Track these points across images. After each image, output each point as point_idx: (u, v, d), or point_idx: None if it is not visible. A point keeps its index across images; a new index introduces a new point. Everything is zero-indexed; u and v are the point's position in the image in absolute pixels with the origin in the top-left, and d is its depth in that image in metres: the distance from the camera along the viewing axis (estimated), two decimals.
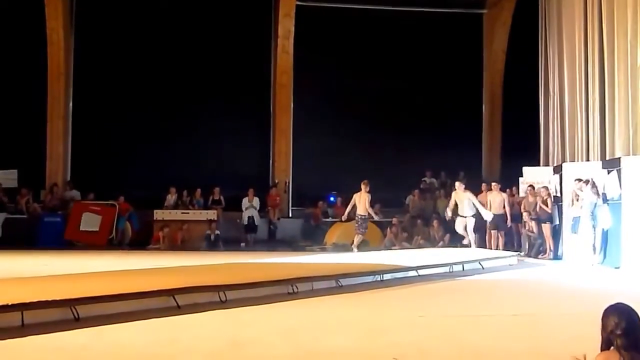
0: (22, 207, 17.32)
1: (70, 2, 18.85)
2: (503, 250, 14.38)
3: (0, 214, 16.60)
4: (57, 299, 6.29)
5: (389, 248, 15.99)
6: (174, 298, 7.00)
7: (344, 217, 15.49)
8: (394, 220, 16.97)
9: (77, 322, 6.14)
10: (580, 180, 12.96)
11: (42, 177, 18.37)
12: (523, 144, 17.35)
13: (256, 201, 17.49)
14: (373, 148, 18.81)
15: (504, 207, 15.04)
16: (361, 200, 14.53)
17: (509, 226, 15.27)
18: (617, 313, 3.22)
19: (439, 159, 18.43)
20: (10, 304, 5.92)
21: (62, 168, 18.74)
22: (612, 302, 3.35)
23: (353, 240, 14.94)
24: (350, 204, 14.84)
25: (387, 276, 9.69)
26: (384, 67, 19.40)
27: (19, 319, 5.94)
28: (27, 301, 6.06)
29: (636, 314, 3.24)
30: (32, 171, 17.95)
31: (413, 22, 19.67)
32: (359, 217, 14.70)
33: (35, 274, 9.04)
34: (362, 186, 14.54)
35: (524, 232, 15.03)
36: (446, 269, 10.88)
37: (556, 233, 14.13)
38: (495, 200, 15.15)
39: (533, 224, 14.52)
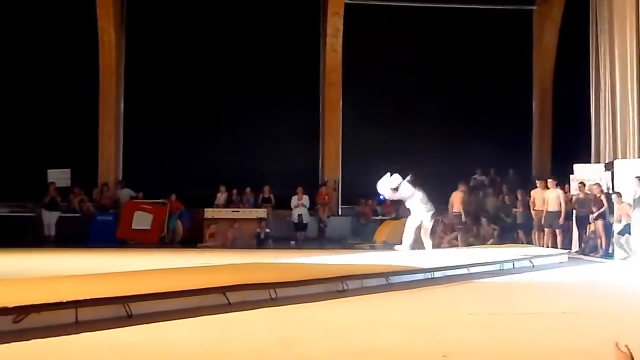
0: (75, 206, 17.68)
1: (121, 2, 19.17)
2: (555, 247, 14.12)
3: (54, 213, 16.96)
4: (110, 296, 6.38)
5: (437, 246, 15.82)
6: (225, 295, 7.03)
7: (446, 220, 16.35)
8: (443, 218, 16.78)
9: (130, 319, 6.21)
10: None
11: (95, 176, 18.72)
12: (574, 141, 17.06)
13: (306, 199, 17.53)
14: (422, 145, 18.66)
15: (560, 204, 14.78)
16: (456, 199, 15.74)
17: (562, 223, 14.97)
18: None
19: (489, 157, 18.20)
20: (64, 301, 6.02)
21: (114, 167, 19.07)
22: None
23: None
24: (450, 202, 16.05)
25: (437, 274, 9.60)
26: (433, 65, 19.22)
27: (73, 315, 6.04)
28: (81, 298, 6.15)
29: None
30: (84, 170, 18.33)
31: (462, 19, 19.49)
32: (455, 214, 15.86)
33: (88, 272, 9.19)
34: (460, 186, 16.04)
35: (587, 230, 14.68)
36: (497, 267, 10.73)
37: (607, 230, 13.78)
38: (551, 197, 14.89)
39: (599, 223, 14.05)
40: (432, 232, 15.11)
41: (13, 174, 17.64)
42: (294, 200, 17.50)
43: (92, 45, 18.67)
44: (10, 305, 5.75)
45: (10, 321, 5.66)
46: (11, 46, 18.78)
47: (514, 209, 16.40)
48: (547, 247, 14.38)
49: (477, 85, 19.39)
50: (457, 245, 15.47)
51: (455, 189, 17.25)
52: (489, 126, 18.90)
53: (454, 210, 15.96)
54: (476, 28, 19.55)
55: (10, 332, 5.56)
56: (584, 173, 15.36)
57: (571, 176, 15.66)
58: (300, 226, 17.42)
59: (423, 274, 9.44)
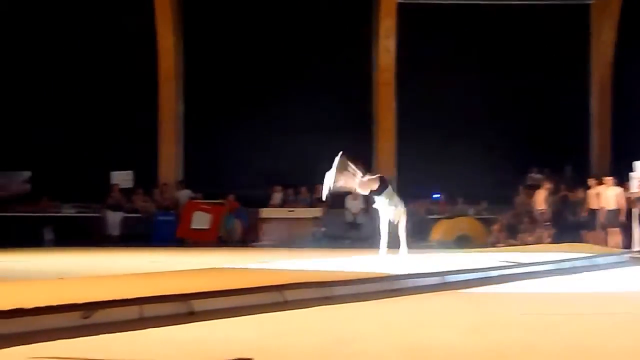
0: (137, 206, 18.19)
1: (179, 7, 19.62)
2: (618, 247, 13.87)
3: (118, 213, 17.51)
4: (173, 293, 6.63)
5: (493, 245, 15.73)
6: (282, 293, 7.21)
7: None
8: (499, 217, 16.68)
9: (192, 316, 6.43)
10: None
11: (156, 177, 19.22)
12: (635, 138, 16.66)
13: (360, 199, 17.60)
14: (477, 144, 18.53)
15: (619, 202, 14.51)
16: (540, 197, 15.75)
17: (622, 222, 14.69)
18: None
19: (545, 155, 17.95)
20: (129, 298, 6.30)
21: (174, 168, 19.53)
22: None
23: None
24: (532, 200, 16.10)
25: (493, 273, 9.57)
26: (487, 63, 19.05)
27: (137, 312, 6.30)
28: (145, 295, 6.42)
29: None
30: (146, 172, 18.84)
31: (518, 15, 19.25)
32: (540, 211, 15.77)
33: (150, 270, 9.51)
34: (544, 184, 16.05)
35: None
36: (554, 267, 10.62)
37: None
38: (609, 195, 14.64)
39: None
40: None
41: (79, 177, 18.23)
42: (349, 200, 17.60)
43: (151, 50, 19.15)
44: (80, 302, 6.05)
45: (79, 317, 5.96)
46: (73, 53, 19.43)
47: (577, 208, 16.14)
48: (607, 246, 14.12)
49: (534, 82, 19.15)
50: (542, 243, 15.24)
51: (512, 187, 17.14)
52: (545, 124, 18.64)
53: (538, 208, 15.87)
54: (532, 24, 19.30)
55: (80, 327, 5.85)
56: None
57: (631, 174, 15.33)
58: (355, 225, 17.53)
59: (477, 273, 9.43)
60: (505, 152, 18.37)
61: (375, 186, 10.19)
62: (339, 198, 17.83)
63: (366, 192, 10.54)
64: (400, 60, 19.03)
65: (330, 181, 10.16)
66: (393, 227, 10.29)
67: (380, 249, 10.30)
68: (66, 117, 18.90)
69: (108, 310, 6.13)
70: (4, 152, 19.18)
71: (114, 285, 7.22)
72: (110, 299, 6.25)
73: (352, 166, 10.33)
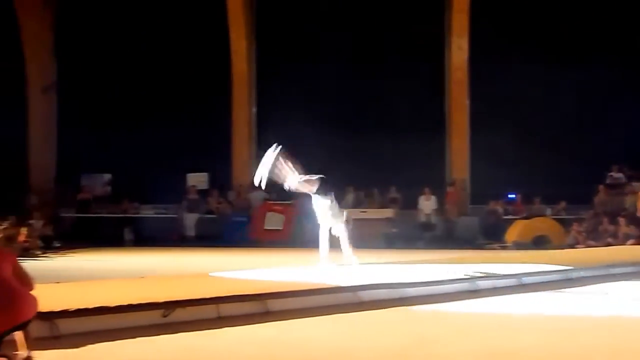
0: (212, 207, 18.53)
1: (251, 12, 19.90)
2: None
3: (194, 215, 17.87)
4: (249, 293, 6.73)
5: (572, 246, 15.29)
6: (357, 294, 7.21)
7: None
8: (578, 217, 16.21)
9: (267, 315, 6.51)
10: None
11: (230, 179, 19.54)
12: None
13: (433, 199, 17.46)
14: (554, 142, 18.04)
15: None
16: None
17: None
18: None
19: (624, 154, 17.30)
20: (207, 297, 6.43)
21: (248, 170, 19.79)
22: None
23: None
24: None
25: (574, 274, 9.31)
26: (566, 57, 18.42)
27: (215, 311, 6.43)
28: (222, 295, 6.54)
29: None
30: (220, 174, 19.18)
31: (597, 3, 18.55)
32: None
33: (225, 270, 9.65)
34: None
35: None
36: (632, 269, 10.21)
37: None
38: None
39: None
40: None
41: (157, 179, 18.67)
42: (421, 200, 17.47)
43: (224, 54, 19.48)
44: (160, 301, 6.22)
45: (159, 315, 6.12)
46: (150, 60, 19.97)
47: None
48: None
49: (616, 76, 18.38)
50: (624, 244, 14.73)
51: (591, 186, 16.59)
52: (626, 120, 17.94)
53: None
54: (611, 13, 18.55)
55: (160, 325, 6.01)
56: None
57: None
58: (428, 226, 17.37)
59: (557, 275, 9.19)
60: (584, 150, 17.80)
61: (314, 188, 9.49)
62: (411, 199, 17.73)
63: (306, 191, 9.67)
64: (473, 57, 18.71)
65: (265, 170, 9.49)
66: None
67: (320, 258, 9.06)
68: (144, 122, 19.41)
69: (186, 309, 6.28)
70: (87, 156, 19.91)
71: (192, 284, 7.37)
72: (189, 297, 6.40)
73: (287, 163, 9.65)
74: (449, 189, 18.11)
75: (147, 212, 18.85)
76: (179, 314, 6.21)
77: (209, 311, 6.41)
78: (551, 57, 18.45)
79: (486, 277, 8.47)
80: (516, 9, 18.88)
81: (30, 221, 15.37)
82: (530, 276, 8.85)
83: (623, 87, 18.50)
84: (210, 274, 8.46)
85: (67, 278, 8.63)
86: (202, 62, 19.79)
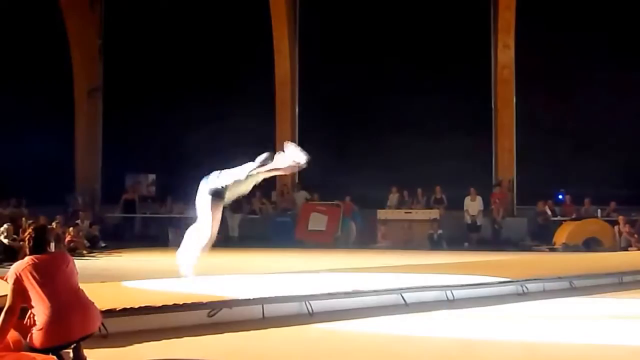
0: (255, 208, 18.57)
1: (294, 12, 19.92)
2: None
3: (238, 215, 17.92)
4: (294, 294, 6.66)
5: (625, 248, 14.89)
6: (402, 296, 7.10)
7: None
8: (630, 219, 15.76)
9: (311, 317, 6.44)
10: None
11: (273, 179, 19.51)
12: None
13: (479, 200, 17.20)
14: (604, 141, 17.58)
15: None
16: None
17: None
18: None
19: None
20: (252, 297, 6.39)
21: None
22: None
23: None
24: None
25: (626, 278, 9.03)
26: (616, 53, 17.86)
27: (260, 311, 6.38)
28: (267, 296, 6.49)
29: None
30: None
31: None
32: None
33: (270, 271, 9.63)
34: None
35: None
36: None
37: None
38: None
39: None
40: None
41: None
42: (467, 201, 17.24)
43: (268, 54, 19.52)
44: (205, 301, 6.20)
45: (205, 315, 6.11)
46: (194, 60, 20.16)
47: None
48: None
49: None
50: None
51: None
52: None
53: None
54: None
55: (206, 325, 5.99)
56: None
57: None
58: (474, 227, 17.13)
59: (609, 278, 8.93)
60: (635, 149, 17.32)
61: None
62: (456, 199, 17.48)
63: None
64: (520, 56, 18.38)
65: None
66: None
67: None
68: (189, 122, 19.55)
69: (232, 309, 6.25)
70: (132, 156, 20.18)
71: (237, 284, 7.35)
72: (234, 298, 6.37)
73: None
74: (495, 190, 17.82)
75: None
76: (225, 314, 6.18)
77: (254, 311, 6.37)
78: (603, 53, 17.95)
79: (536, 279, 8.26)
80: (565, 3, 18.45)
81: (77, 221, 15.63)
82: (581, 279, 8.60)
83: None
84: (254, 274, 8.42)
85: (112, 277, 8.70)
86: (245, 61, 19.86)
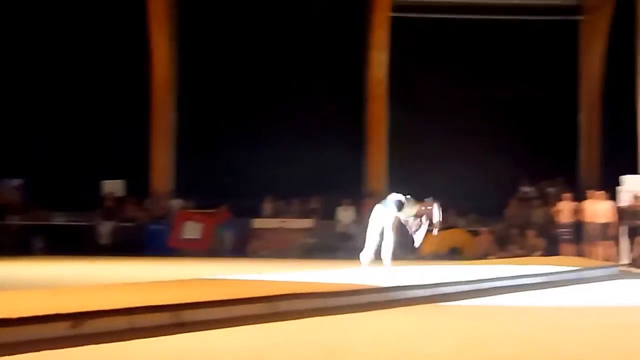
0: (128, 215, 18.15)
1: (174, 15, 19.65)
2: (608, 260, 13.92)
3: (109, 222, 17.46)
4: (163, 304, 6.60)
5: (484, 257, 15.75)
6: (273, 304, 7.18)
7: None
8: (488, 229, 16.74)
9: (181, 327, 6.40)
10: None
11: (148, 186, 19.18)
12: (623, 152, 16.87)
13: (352, 210, 17.63)
14: (468, 156, 18.60)
15: (610, 215, 14.64)
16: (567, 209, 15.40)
17: (614, 235, 14.79)
18: None
19: (536, 167, 18.05)
20: (118, 308, 6.26)
21: (166, 177, 19.49)
22: None
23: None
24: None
25: (485, 285, 9.57)
26: (478, 77, 19.16)
27: (127, 322, 6.26)
28: (134, 306, 6.38)
29: None
30: (138, 180, 18.80)
31: (509, 30, 19.40)
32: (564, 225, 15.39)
33: (141, 280, 9.46)
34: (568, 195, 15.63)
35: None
36: (543, 280, 10.63)
37: None
38: (601, 209, 14.75)
39: None
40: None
41: (70, 185, 18.18)
42: (340, 211, 17.63)
43: (144, 59, 19.16)
44: (68, 312, 6.01)
45: (68, 327, 5.92)
46: (65, 62, 19.45)
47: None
48: (599, 260, 14.16)
49: (524, 96, 19.25)
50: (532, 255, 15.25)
51: (502, 199, 17.19)
52: (535, 137, 18.73)
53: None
54: (523, 40, 19.45)
55: (68, 337, 5.81)
56: (633, 184, 15.16)
57: (619, 187, 15.46)
58: (347, 237, 17.54)
59: (467, 286, 9.43)
60: (495, 164, 18.42)
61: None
62: (330, 209, 17.87)
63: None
64: (392, 73, 19.11)
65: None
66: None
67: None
68: (58, 126, 18.88)
69: (96, 320, 6.10)
70: None
71: (103, 295, 7.19)
72: (99, 309, 6.22)
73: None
74: (367, 200, 18.32)
75: (59, 219, 18.27)
76: (89, 326, 6.02)
77: (120, 323, 6.24)
78: (468, 74, 19.06)
79: (400, 288, 8.59)
80: (434, 26, 19.39)
81: None
82: (442, 287, 9.03)
83: (535, 106, 19.32)
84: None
85: None
86: (122, 65, 19.38)
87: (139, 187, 18.79)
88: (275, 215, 17.85)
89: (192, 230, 17.25)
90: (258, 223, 17.39)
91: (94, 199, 18.01)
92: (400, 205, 10.75)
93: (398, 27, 18.98)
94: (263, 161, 18.77)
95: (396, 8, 19.05)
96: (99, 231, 17.40)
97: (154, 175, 19.31)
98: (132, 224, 17.92)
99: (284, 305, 7.24)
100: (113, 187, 18.65)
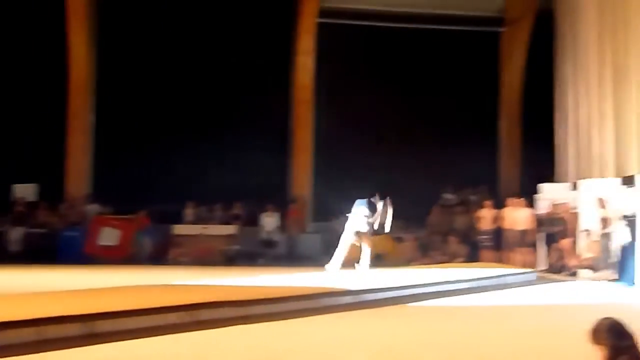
0: (41, 221, 17.36)
1: (93, 16, 19.01)
2: (526, 266, 14.21)
3: (20, 228, 16.66)
4: (74, 314, 6.24)
5: (408, 264, 15.85)
6: (194, 314, 6.93)
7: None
8: (412, 236, 16.88)
9: (95, 338, 6.07)
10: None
11: (62, 191, 18.44)
12: (542, 160, 17.38)
13: (275, 216, 17.45)
14: (392, 163, 18.72)
15: (529, 222, 14.97)
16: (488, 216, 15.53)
17: (532, 242, 15.13)
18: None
19: (458, 175, 18.35)
20: (27, 319, 5.89)
21: (83, 182, 18.82)
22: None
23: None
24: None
25: (406, 292, 9.57)
26: (402, 84, 19.34)
27: (35, 334, 5.89)
28: (44, 316, 6.02)
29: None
30: (51, 185, 18.03)
31: (432, 40, 19.69)
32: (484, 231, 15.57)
33: (52, 289, 9.01)
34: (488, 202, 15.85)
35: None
36: (464, 286, 10.72)
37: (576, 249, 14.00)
38: (520, 216, 15.07)
39: (566, 242, 14.29)
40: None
41: None
42: (264, 218, 17.43)
43: (60, 60, 18.45)
44: None
45: None
46: None
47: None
48: (518, 265, 14.44)
49: (446, 105, 19.54)
50: (454, 261, 15.44)
51: (425, 206, 17.38)
52: (457, 145, 19.03)
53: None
54: (445, 49, 19.77)
55: None
56: (552, 192, 15.58)
57: (538, 195, 15.85)
58: (270, 243, 17.33)
59: (393, 292, 9.40)
60: (419, 171, 18.61)
61: None
62: (254, 216, 17.63)
63: None
64: (318, 78, 19.10)
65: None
66: None
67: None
68: None
69: (2, 332, 5.71)
70: None
71: (10, 305, 6.77)
72: (5, 320, 5.82)
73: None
74: (291, 206, 18.21)
75: None
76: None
77: (28, 334, 5.87)
78: (391, 82, 19.25)
79: (327, 295, 8.47)
80: (359, 33, 19.51)
81: None
82: (368, 293, 8.96)
83: (457, 114, 19.65)
84: None
85: None
86: (37, 65, 18.55)
87: (53, 192, 17.99)
88: (197, 221, 17.45)
89: (109, 236, 16.63)
90: (179, 229, 16.95)
91: (4, 204, 17.14)
92: (372, 206, 11.34)
93: (325, 33, 18.99)
94: (185, 166, 18.37)
95: (323, 14, 19.07)
96: (8, 237, 16.56)
97: (69, 179, 18.57)
98: (45, 230, 17.14)
99: (204, 314, 7.00)
100: (24, 191, 17.80)
